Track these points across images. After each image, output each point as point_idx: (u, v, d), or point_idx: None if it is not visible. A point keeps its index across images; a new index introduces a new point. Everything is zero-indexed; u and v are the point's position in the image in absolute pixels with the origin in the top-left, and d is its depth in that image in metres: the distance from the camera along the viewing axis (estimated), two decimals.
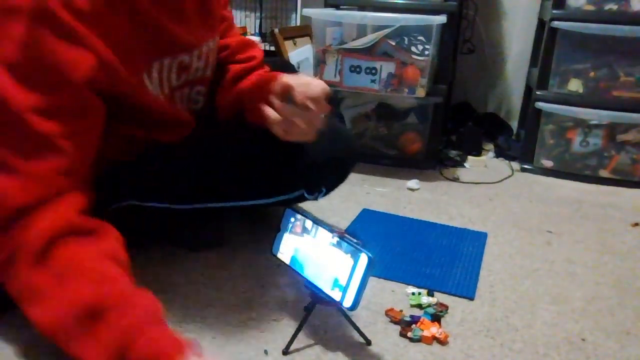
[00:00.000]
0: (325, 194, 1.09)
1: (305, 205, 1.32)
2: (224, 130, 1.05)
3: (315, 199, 1.07)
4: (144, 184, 0.98)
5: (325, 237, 0.80)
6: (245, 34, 2.13)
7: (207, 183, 0.99)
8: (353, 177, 1.48)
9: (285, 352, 0.80)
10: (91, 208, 0.75)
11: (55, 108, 0.68)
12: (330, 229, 0.80)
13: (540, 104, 1.61)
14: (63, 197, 0.71)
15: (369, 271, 0.73)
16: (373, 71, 1.53)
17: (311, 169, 1.01)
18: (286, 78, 0.88)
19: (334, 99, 1.70)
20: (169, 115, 0.92)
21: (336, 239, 0.78)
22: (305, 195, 1.04)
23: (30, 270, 0.67)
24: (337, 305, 0.77)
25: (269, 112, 0.88)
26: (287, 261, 0.86)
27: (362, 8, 1.62)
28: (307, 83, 0.86)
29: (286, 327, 0.86)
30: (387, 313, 0.90)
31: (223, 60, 1.03)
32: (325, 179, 1.06)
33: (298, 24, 2.16)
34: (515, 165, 1.73)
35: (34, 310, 0.68)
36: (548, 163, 1.67)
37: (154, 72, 0.83)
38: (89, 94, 0.72)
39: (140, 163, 0.95)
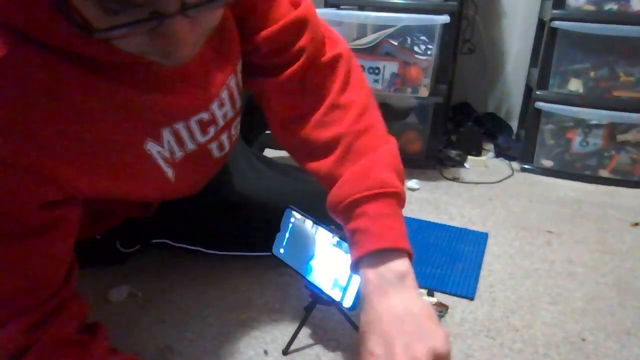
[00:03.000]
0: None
1: None
2: (260, 181, 1.04)
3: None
4: (177, 226, 0.99)
5: (325, 237, 0.80)
6: None
7: (241, 233, 1.00)
8: None
9: (285, 352, 0.80)
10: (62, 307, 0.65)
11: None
12: (331, 229, 0.80)
13: (540, 104, 1.61)
14: (13, 320, 0.61)
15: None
16: (376, 71, 1.53)
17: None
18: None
19: None
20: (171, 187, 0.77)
21: (336, 239, 0.78)
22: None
23: None
24: (337, 305, 0.77)
25: None
26: (287, 261, 0.86)
27: (362, 8, 1.62)
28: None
29: (286, 327, 0.86)
30: None
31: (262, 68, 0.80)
32: None
33: None
34: (515, 165, 1.73)
35: None
36: (548, 163, 1.67)
37: (166, 136, 0.69)
38: (46, 215, 0.60)
39: (174, 205, 0.87)
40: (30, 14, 0.50)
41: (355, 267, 0.72)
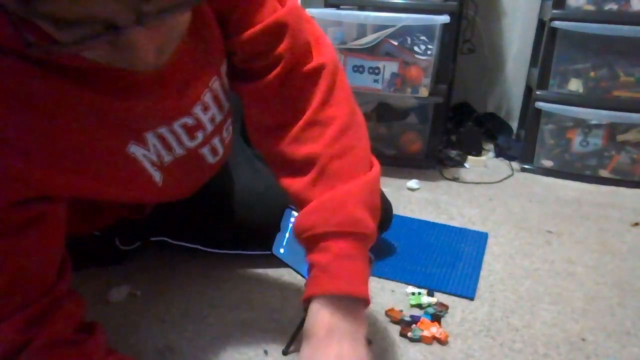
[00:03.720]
0: None
1: None
2: (261, 180, 1.04)
3: None
4: (177, 224, 0.99)
5: None
6: None
7: (240, 232, 1.00)
8: None
9: (285, 352, 0.80)
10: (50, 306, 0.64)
11: None
12: None
13: (540, 104, 1.61)
14: (4, 320, 0.60)
15: (369, 271, 0.73)
16: (376, 71, 1.53)
17: None
18: None
19: None
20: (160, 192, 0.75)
21: None
22: None
23: None
24: None
25: None
26: (287, 261, 0.86)
27: (362, 8, 1.62)
28: None
29: (286, 327, 0.86)
30: (387, 313, 0.90)
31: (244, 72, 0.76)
32: None
33: None
34: (515, 165, 1.73)
35: None
36: (548, 163, 1.67)
37: (151, 139, 0.68)
38: (24, 211, 0.59)
39: (176, 204, 0.86)
40: None
41: (307, 301, 0.69)
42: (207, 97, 0.72)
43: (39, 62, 0.54)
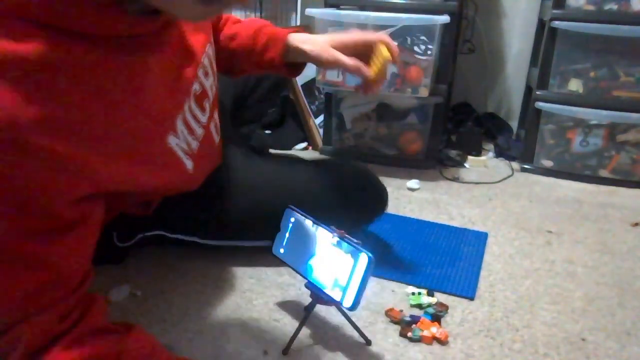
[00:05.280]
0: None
1: None
2: (257, 165, 1.07)
3: None
4: (175, 217, 1.00)
5: (325, 237, 0.80)
6: None
7: (238, 223, 1.01)
8: None
9: (285, 352, 0.80)
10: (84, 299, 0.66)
11: (34, 229, 0.58)
12: (331, 229, 0.80)
13: (540, 104, 1.61)
14: (46, 310, 0.61)
15: (369, 271, 0.73)
16: None
17: (334, 213, 0.93)
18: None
19: (335, 99, 1.70)
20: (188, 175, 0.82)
21: (336, 239, 0.78)
22: None
23: None
24: (337, 305, 0.77)
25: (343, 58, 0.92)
26: (287, 261, 0.86)
27: (362, 8, 1.62)
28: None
29: (286, 327, 0.86)
30: (387, 313, 0.90)
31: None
32: (348, 225, 1.04)
33: (298, 24, 2.16)
34: (515, 165, 1.73)
35: None
36: (548, 163, 1.67)
37: (179, 126, 0.75)
38: (77, 210, 0.61)
39: (173, 197, 0.91)
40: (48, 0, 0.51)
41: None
42: (206, 61, 0.81)
43: (91, 39, 0.56)
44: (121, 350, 0.62)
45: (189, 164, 0.79)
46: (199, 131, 0.81)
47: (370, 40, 0.93)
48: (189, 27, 0.76)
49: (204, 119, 0.83)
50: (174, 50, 0.71)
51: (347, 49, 0.93)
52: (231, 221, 1.01)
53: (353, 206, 1.04)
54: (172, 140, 0.73)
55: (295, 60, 0.98)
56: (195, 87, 0.78)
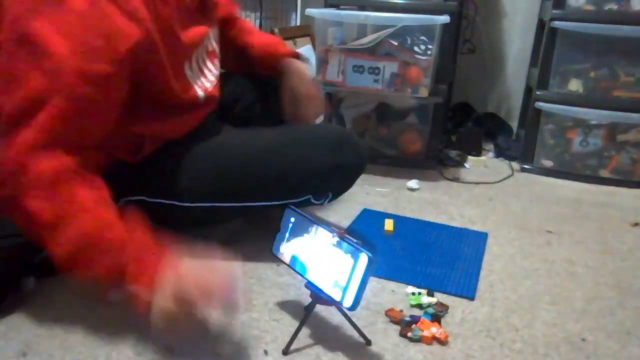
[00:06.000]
0: (332, 200, 1.10)
1: None
2: (235, 132, 1.12)
3: (322, 204, 1.08)
4: (153, 180, 1.00)
5: (325, 237, 0.80)
6: None
7: (215, 183, 1.01)
8: None
9: (285, 352, 0.80)
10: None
11: (95, 76, 0.76)
12: (331, 229, 0.80)
13: (540, 104, 1.61)
14: (74, 149, 0.78)
15: (369, 271, 0.73)
16: (376, 71, 1.53)
17: (318, 174, 1.03)
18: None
19: (335, 99, 1.70)
20: (195, 108, 1.01)
21: (336, 239, 0.78)
22: (312, 200, 1.05)
23: (37, 202, 0.74)
24: (337, 305, 0.77)
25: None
26: (287, 261, 0.86)
27: (362, 8, 1.62)
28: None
29: (286, 327, 0.86)
30: (387, 313, 0.90)
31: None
32: (332, 185, 1.07)
33: (298, 24, 2.16)
34: (515, 165, 1.73)
35: (44, 238, 0.75)
36: (548, 163, 1.67)
37: (194, 62, 0.97)
38: (123, 70, 0.79)
39: (151, 160, 0.98)
40: None
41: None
42: (215, 32, 1.09)
43: None
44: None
45: (200, 92, 0.98)
46: (211, 78, 1.04)
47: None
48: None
49: (215, 71, 1.06)
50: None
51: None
52: (204, 180, 1.01)
53: (336, 160, 1.04)
54: (187, 69, 0.94)
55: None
56: (207, 43, 1.02)
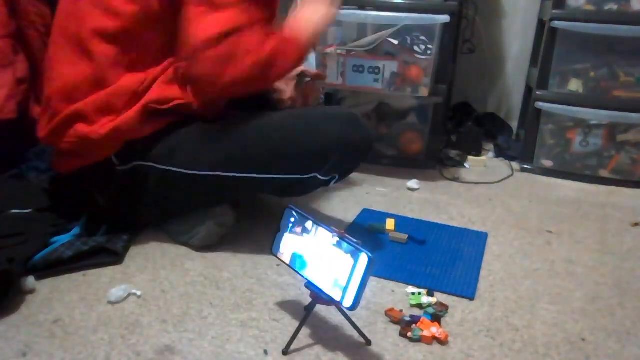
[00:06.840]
0: (338, 181, 1.13)
1: (306, 204, 1.32)
2: (247, 112, 1.12)
3: (327, 184, 1.12)
4: (163, 148, 1.03)
5: (325, 237, 0.80)
6: None
7: (223, 151, 1.04)
8: (353, 177, 1.48)
9: (285, 352, 0.80)
10: None
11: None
12: (330, 229, 0.80)
13: (540, 104, 1.61)
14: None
15: (369, 271, 0.73)
16: (376, 70, 1.53)
17: (327, 148, 1.06)
18: None
19: (336, 98, 1.70)
20: None
21: (336, 239, 0.78)
22: (319, 177, 1.07)
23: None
24: (337, 305, 0.77)
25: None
26: (287, 261, 0.86)
27: (362, 8, 1.62)
28: None
29: (286, 327, 0.86)
30: (387, 313, 0.90)
31: None
32: (339, 163, 1.09)
33: None
34: (515, 165, 1.73)
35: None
36: (548, 163, 1.67)
37: None
38: None
39: (165, 129, 1.03)
40: None
41: None
42: None
43: None
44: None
45: None
46: None
47: None
48: None
49: None
50: None
51: None
52: (213, 149, 1.04)
53: (345, 137, 1.07)
54: None
55: None
56: None
